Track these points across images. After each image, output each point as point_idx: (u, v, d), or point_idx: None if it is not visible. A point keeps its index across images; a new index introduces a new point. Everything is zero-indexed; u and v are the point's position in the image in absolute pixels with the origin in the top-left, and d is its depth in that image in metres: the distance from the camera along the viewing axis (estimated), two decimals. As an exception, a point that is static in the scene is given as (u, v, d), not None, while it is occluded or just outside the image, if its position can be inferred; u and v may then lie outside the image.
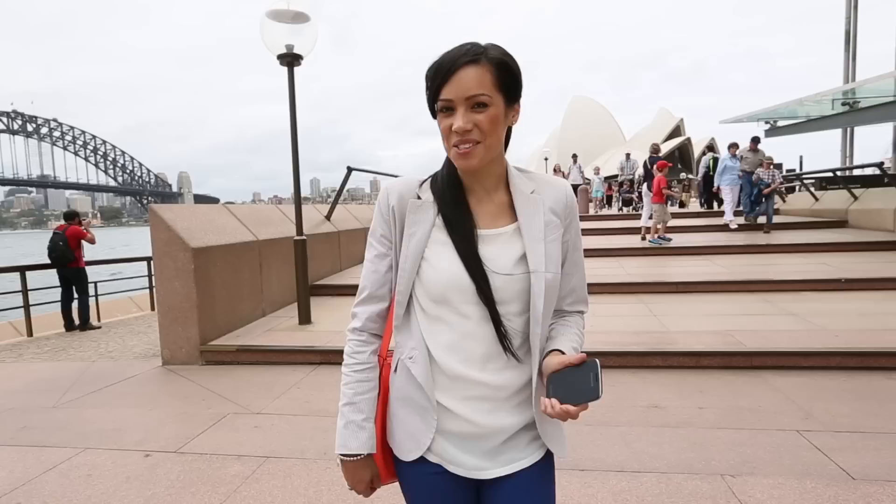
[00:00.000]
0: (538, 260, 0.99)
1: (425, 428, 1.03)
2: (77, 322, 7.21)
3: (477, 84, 0.92)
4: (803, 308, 5.43)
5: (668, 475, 2.59)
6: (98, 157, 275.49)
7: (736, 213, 10.77)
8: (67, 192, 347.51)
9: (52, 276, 7.31)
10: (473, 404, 1.01)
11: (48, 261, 7.16)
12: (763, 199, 10.19)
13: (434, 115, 0.99)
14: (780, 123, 16.69)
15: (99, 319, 7.84)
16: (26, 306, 7.19)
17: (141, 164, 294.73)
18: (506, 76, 0.95)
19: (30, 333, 7.08)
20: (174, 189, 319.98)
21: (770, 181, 10.00)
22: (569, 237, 1.07)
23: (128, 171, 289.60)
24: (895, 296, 5.84)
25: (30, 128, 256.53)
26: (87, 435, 3.36)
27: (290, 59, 5.18)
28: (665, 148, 51.73)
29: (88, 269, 7.49)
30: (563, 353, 1.00)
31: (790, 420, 3.15)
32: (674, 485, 2.50)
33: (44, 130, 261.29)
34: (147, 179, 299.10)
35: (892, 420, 3.10)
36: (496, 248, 1.00)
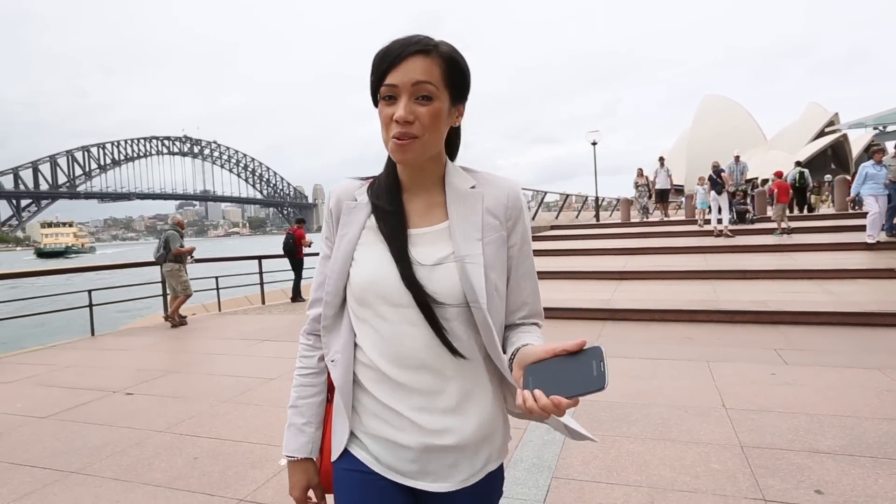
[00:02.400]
0: (474, 259, 0.94)
1: (342, 429, 1.02)
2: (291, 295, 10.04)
3: (424, 73, 0.90)
4: None
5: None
6: (247, 172, 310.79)
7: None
8: (223, 205, 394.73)
9: (273, 263, 9.99)
10: (403, 409, 0.96)
11: (278, 252, 10.05)
12: None
13: (376, 104, 0.95)
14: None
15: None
16: (261, 284, 10.06)
17: (282, 178, 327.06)
18: (454, 73, 0.94)
19: (263, 302, 9.96)
20: (310, 200, 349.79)
21: None
22: (515, 242, 1.00)
23: (271, 185, 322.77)
24: None
25: (196, 150, 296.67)
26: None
27: None
28: (814, 147, 47.09)
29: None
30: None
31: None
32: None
33: (206, 151, 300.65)
34: (287, 192, 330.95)
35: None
36: (423, 247, 0.96)
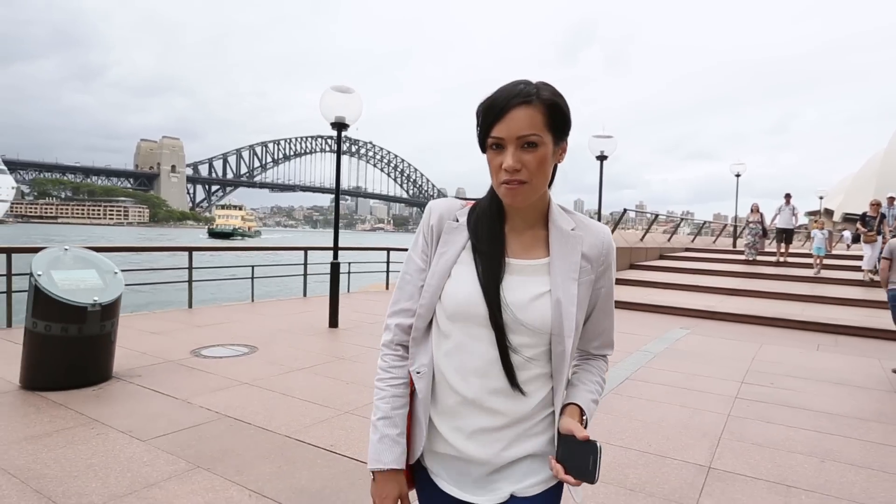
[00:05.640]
0: (568, 298, 1.00)
1: (418, 440, 1.08)
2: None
3: (528, 125, 0.94)
4: None
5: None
6: (396, 172, 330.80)
7: None
8: (371, 201, 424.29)
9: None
10: (463, 429, 1.03)
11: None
12: None
13: (483, 150, 1.00)
14: None
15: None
16: (387, 272, 11.56)
17: (427, 180, 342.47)
18: (556, 117, 0.97)
19: (387, 287, 11.35)
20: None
21: None
22: (602, 284, 1.08)
23: (417, 185, 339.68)
24: None
25: (353, 149, 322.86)
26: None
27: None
28: None
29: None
30: (580, 407, 1.05)
31: None
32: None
33: (362, 151, 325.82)
34: (431, 193, 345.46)
35: None
36: (521, 278, 1.02)
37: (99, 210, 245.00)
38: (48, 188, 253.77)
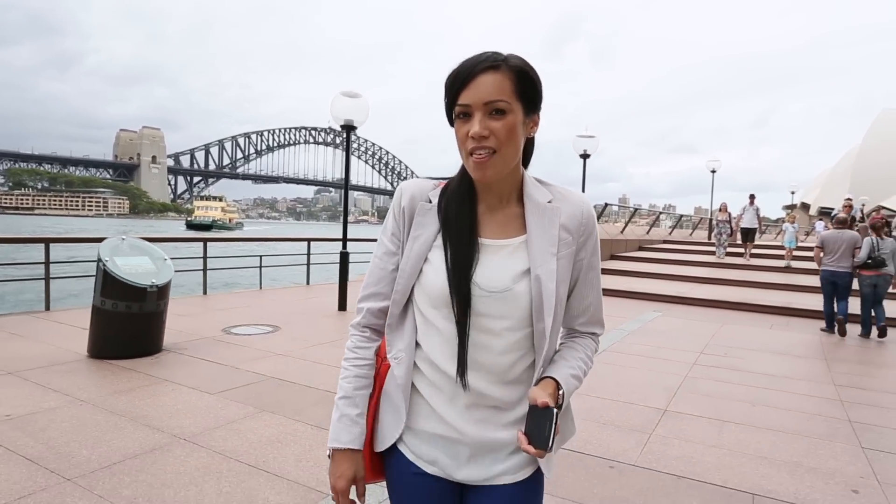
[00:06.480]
0: (547, 274, 0.97)
1: (394, 426, 1.06)
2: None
3: (496, 90, 0.92)
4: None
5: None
6: (381, 164, 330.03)
7: None
8: (355, 193, 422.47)
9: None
10: (453, 408, 1.02)
11: None
12: None
13: (451, 123, 0.98)
14: None
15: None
16: None
17: (412, 172, 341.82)
18: (525, 84, 0.95)
19: None
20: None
21: None
22: (584, 256, 1.04)
23: (402, 178, 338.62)
24: None
25: (338, 140, 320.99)
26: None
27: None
28: None
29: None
30: (555, 381, 1.00)
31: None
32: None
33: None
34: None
35: None
36: (498, 259, 0.99)
37: (77, 201, 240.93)
38: (24, 178, 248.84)
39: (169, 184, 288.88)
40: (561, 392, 0.99)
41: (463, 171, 1.02)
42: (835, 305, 7.08)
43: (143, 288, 4.66)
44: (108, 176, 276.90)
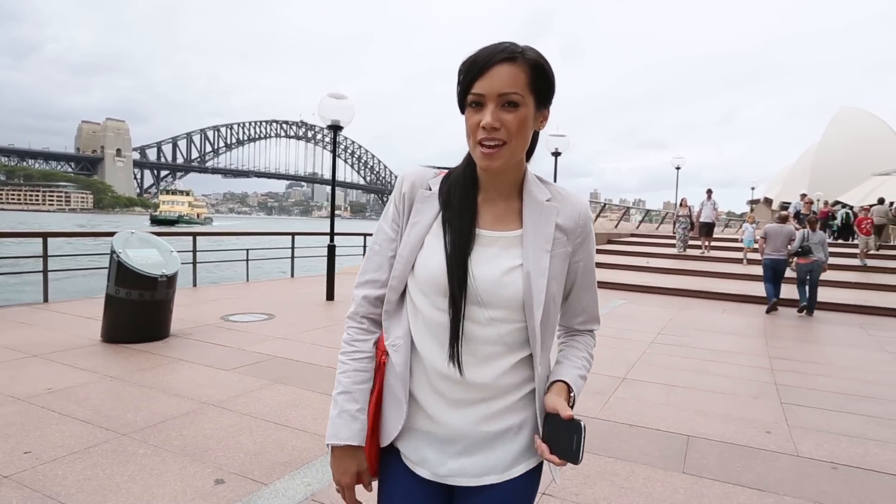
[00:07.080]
0: (539, 270, 0.98)
1: (396, 418, 1.04)
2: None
3: (510, 82, 0.92)
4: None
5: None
6: (354, 159, 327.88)
7: None
8: (327, 188, 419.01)
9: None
10: (443, 400, 1.01)
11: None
12: None
13: (462, 111, 0.98)
14: None
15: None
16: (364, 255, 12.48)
17: (385, 167, 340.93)
18: (540, 79, 0.95)
19: None
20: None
21: None
22: (580, 258, 1.05)
23: (374, 172, 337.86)
24: None
25: (310, 134, 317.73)
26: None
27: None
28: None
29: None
30: (567, 384, 1.03)
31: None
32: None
33: (318, 137, 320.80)
34: (389, 180, 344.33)
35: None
36: (493, 251, 1.00)
37: (37, 195, 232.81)
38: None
39: (135, 178, 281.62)
40: (572, 395, 1.03)
41: (468, 159, 1.03)
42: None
43: (154, 277, 5.07)
44: (69, 169, 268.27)
